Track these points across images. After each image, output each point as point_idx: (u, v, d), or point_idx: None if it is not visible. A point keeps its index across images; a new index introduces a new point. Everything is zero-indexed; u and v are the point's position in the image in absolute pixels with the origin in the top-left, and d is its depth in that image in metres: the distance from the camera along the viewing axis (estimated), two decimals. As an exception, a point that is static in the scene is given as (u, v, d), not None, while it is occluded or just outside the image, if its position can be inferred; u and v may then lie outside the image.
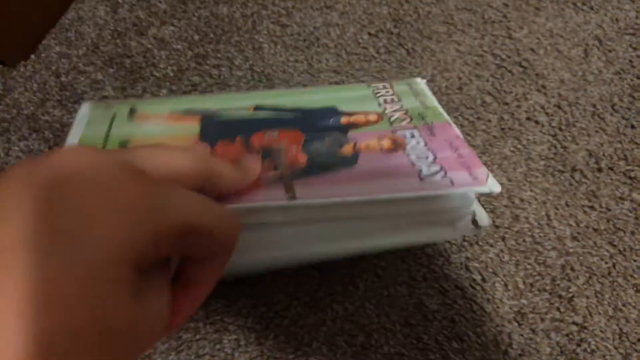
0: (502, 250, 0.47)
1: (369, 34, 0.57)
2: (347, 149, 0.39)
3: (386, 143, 0.40)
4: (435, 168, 0.37)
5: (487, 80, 0.55)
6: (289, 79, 0.54)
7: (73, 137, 0.39)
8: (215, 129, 0.40)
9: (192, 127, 0.40)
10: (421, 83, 0.48)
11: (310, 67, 0.55)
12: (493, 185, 0.37)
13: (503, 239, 0.48)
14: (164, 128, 0.40)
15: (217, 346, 0.42)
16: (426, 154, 0.39)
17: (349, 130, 0.41)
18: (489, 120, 0.53)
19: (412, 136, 0.40)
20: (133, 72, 0.54)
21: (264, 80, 0.54)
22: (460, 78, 0.55)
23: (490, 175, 0.37)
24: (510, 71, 0.56)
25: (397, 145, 0.39)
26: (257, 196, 0.35)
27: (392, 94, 0.45)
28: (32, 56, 0.55)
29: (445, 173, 0.37)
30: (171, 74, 0.54)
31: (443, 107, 0.45)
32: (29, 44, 0.54)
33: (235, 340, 0.42)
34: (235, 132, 0.40)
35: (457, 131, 0.41)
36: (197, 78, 0.54)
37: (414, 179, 0.36)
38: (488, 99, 0.54)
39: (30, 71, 0.54)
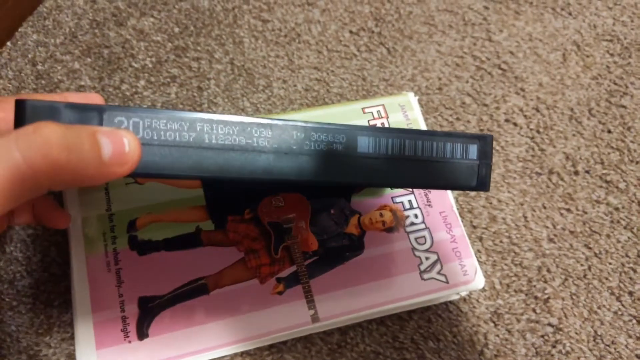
0: (479, 251, 0.47)
1: (350, 32, 0.57)
2: (352, 227, 0.44)
3: (388, 218, 0.45)
4: (433, 258, 0.43)
5: (467, 82, 0.55)
6: (269, 74, 0.54)
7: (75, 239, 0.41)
8: (220, 200, 0.44)
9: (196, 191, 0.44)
10: (412, 100, 0.49)
11: (291, 62, 0.55)
12: (479, 282, 0.43)
13: (480, 239, 0.48)
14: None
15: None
16: (424, 236, 0.44)
17: (350, 195, 0.45)
18: (468, 121, 0.53)
19: (411, 206, 0.45)
20: (111, 63, 0.53)
21: (244, 74, 0.54)
22: (440, 78, 0.55)
23: (478, 269, 0.43)
24: (489, 73, 0.56)
25: (398, 222, 0.45)
26: (279, 315, 0.40)
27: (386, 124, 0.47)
28: (8, 43, 0.53)
29: (441, 267, 0.43)
30: (150, 65, 0.53)
31: (424, 114, 0.48)
32: (4, 31, 0.53)
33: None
34: (241, 202, 0.44)
35: (450, 195, 0.46)
36: (176, 70, 0.53)
37: (414, 274, 0.43)
38: (467, 100, 0.54)
39: (5, 58, 0.53)
